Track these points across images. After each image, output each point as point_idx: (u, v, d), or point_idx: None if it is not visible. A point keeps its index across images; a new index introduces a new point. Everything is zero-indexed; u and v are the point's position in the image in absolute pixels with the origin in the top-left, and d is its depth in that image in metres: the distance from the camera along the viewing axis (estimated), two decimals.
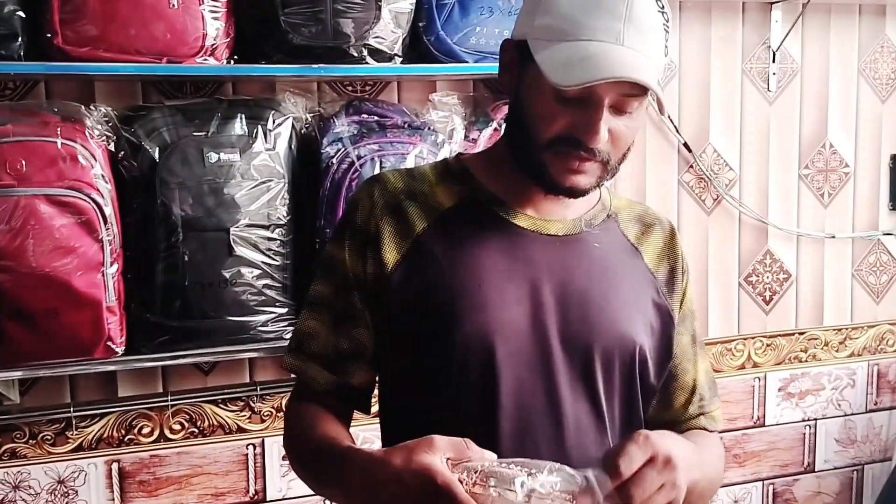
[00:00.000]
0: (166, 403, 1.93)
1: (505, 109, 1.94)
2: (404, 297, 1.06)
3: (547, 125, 1.00)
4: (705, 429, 1.18)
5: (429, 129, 1.86)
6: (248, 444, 2.02)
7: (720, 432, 1.23)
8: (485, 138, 1.92)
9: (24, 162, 1.56)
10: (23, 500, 1.87)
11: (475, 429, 0.98)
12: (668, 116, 2.23)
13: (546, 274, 1.06)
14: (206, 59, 1.69)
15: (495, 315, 1.03)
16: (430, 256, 1.07)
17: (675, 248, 1.18)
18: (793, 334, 2.46)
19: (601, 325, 1.06)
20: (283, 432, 1.15)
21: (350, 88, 1.98)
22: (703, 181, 2.32)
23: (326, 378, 1.10)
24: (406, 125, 1.85)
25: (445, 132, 1.88)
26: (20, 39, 1.59)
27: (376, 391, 1.16)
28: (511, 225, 1.09)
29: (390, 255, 1.08)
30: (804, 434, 2.50)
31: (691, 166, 2.30)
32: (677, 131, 2.26)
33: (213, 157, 1.70)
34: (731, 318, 2.41)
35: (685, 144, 2.27)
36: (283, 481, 2.04)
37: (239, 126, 1.73)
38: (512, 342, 1.03)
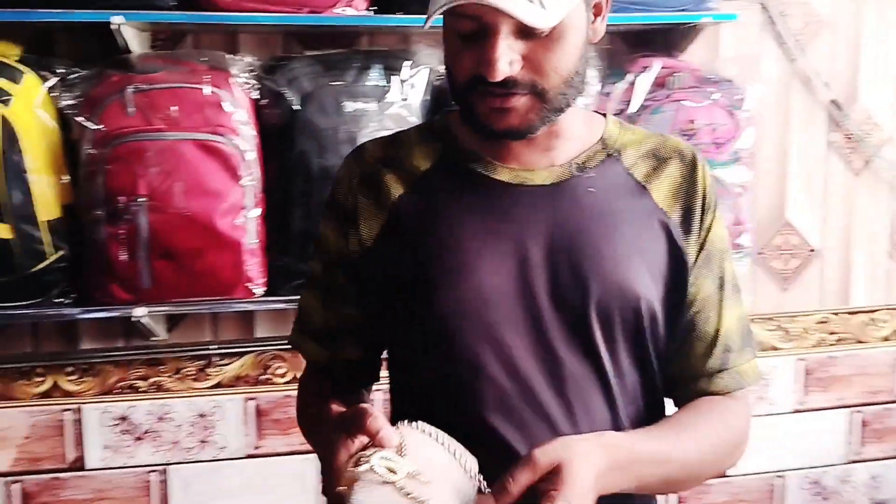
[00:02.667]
0: None
1: (641, 62, 1.90)
2: (384, 271, 1.02)
3: (456, 67, 0.94)
4: (725, 390, 1.04)
5: None
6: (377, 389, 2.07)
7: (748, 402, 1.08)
8: (619, 93, 1.88)
9: (174, 107, 1.64)
10: (166, 431, 1.98)
11: (468, 403, 0.96)
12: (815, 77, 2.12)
13: (531, 229, 0.98)
14: (344, 10, 1.73)
15: (476, 280, 0.96)
16: (406, 225, 1.01)
17: (696, 182, 1.03)
18: None
19: (595, 279, 0.96)
20: None
21: None
22: (852, 142, 2.20)
23: (322, 354, 1.11)
24: None
25: None
26: None
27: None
28: (490, 180, 1.00)
29: (368, 229, 1.03)
30: None
31: (839, 125, 2.18)
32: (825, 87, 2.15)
33: (350, 106, 1.73)
34: (877, 286, 2.28)
35: (834, 101, 2.15)
36: None
37: (375, 76, 1.76)
38: (496, 307, 0.96)
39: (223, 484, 2.02)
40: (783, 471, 2.30)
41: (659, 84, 1.86)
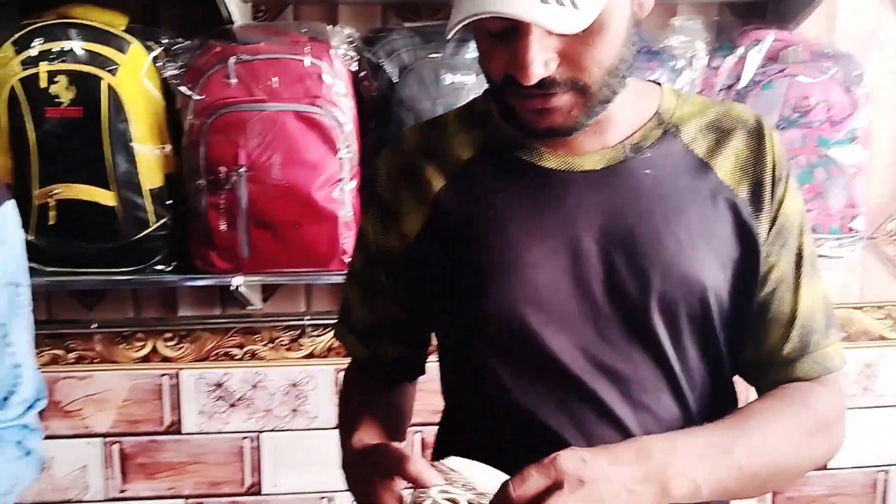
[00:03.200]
0: None
1: (753, 35, 1.81)
2: (428, 269, 0.97)
3: (490, 66, 0.87)
4: (808, 375, 0.96)
5: (668, 54, 1.77)
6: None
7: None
8: (728, 66, 1.80)
9: (274, 79, 1.64)
10: (260, 398, 2.01)
11: (524, 407, 0.92)
12: None
13: (584, 219, 0.91)
14: None
15: (526, 277, 0.90)
16: (449, 221, 0.95)
17: (764, 152, 0.94)
18: None
19: (655, 270, 0.89)
20: None
21: None
22: None
23: (362, 352, 1.09)
24: (644, 49, 1.76)
25: (685, 58, 1.78)
26: None
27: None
28: (537, 168, 0.93)
29: (409, 225, 0.97)
30: None
31: None
32: None
33: (448, 78, 1.70)
34: None
35: None
36: None
37: (473, 49, 1.73)
38: (548, 305, 0.90)
39: (313, 453, 2.04)
40: (888, 465, 2.20)
41: (771, 58, 1.78)
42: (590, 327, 0.90)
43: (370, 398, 1.07)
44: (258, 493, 2.04)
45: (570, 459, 0.76)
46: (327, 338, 2.01)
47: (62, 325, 1.93)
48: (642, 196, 0.91)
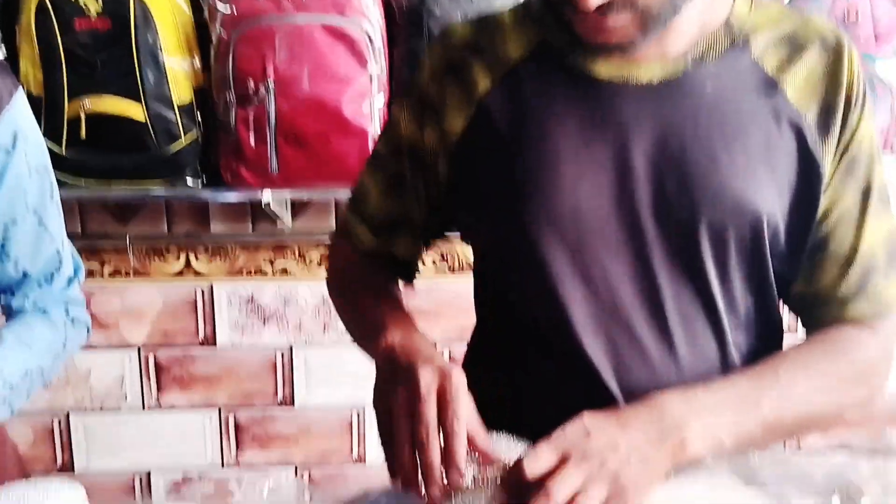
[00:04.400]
0: None
1: None
2: (464, 178, 0.92)
3: None
4: (862, 317, 0.90)
5: None
6: None
7: None
8: None
9: None
10: (291, 313, 2.04)
11: (556, 327, 0.88)
12: None
13: (636, 134, 0.85)
14: None
15: (569, 192, 0.85)
16: (492, 124, 0.90)
17: (839, 73, 0.86)
18: None
19: (708, 194, 0.83)
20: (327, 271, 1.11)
21: None
22: None
23: (370, 241, 1.02)
24: None
25: None
26: None
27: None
28: (590, 78, 0.87)
29: (452, 124, 0.92)
30: None
31: None
32: None
33: None
34: None
35: None
36: None
37: None
38: (589, 224, 0.85)
39: (344, 368, 2.07)
40: None
41: None
42: (630, 250, 0.86)
43: (388, 287, 1.02)
44: (291, 405, 2.08)
45: (573, 432, 0.74)
46: None
47: (97, 238, 1.96)
48: (700, 114, 0.85)
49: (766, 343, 0.93)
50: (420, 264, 1.07)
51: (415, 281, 1.07)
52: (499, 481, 0.75)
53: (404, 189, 0.99)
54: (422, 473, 0.73)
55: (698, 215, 0.84)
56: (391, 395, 0.76)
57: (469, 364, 1.07)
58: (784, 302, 0.96)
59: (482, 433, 0.75)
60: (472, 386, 1.09)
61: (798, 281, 0.92)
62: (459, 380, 0.75)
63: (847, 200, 0.89)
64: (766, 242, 0.87)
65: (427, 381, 0.74)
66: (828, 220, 0.89)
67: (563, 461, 0.72)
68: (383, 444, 0.78)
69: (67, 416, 2.06)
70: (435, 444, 0.72)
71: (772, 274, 0.90)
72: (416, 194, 0.99)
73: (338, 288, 1.07)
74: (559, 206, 0.86)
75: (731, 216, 0.84)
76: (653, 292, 0.87)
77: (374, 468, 2.13)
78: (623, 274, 0.87)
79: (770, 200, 0.85)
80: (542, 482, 0.71)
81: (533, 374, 0.93)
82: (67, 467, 2.08)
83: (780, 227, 0.87)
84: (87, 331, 1.14)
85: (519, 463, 0.73)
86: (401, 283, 1.06)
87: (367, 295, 0.99)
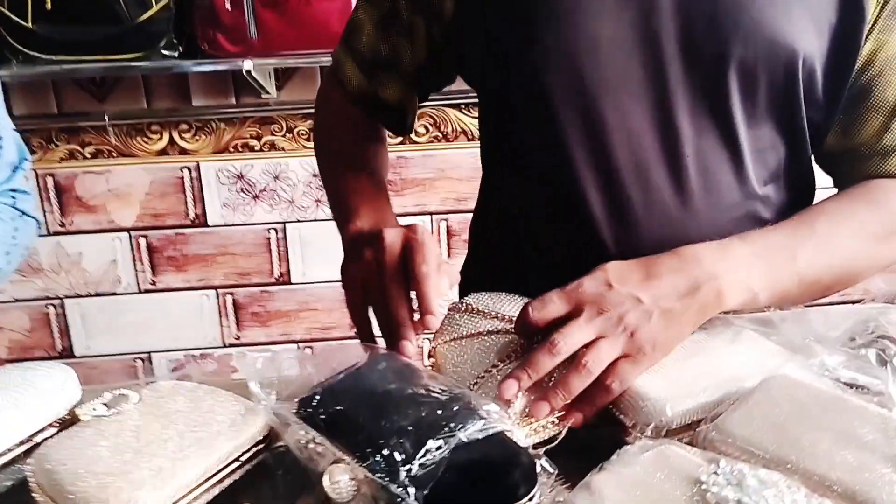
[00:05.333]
0: None
1: None
2: (471, 10, 0.84)
3: None
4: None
5: None
6: None
7: None
8: None
9: None
10: (282, 189, 1.98)
11: (565, 175, 0.82)
12: None
13: None
14: None
15: (586, 25, 0.77)
16: None
17: None
18: None
19: (739, 29, 0.76)
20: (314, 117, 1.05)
21: None
22: None
23: (359, 80, 0.95)
24: None
25: None
26: None
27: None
28: None
29: None
30: None
31: None
32: None
33: None
34: None
35: None
36: None
37: None
38: (608, 58, 0.78)
39: (339, 243, 2.02)
40: None
41: None
42: (653, 90, 0.79)
43: (368, 141, 0.97)
44: (287, 282, 2.06)
45: (593, 284, 0.68)
46: None
47: (75, 117, 1.87)
48: None
49: (797, 199, 0.87)
50: (415, 120, 1.00)
51: (408, 134, 1.02)
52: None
53: (398, 27, 0.91)
54: (389, 327, 0.71)
55: (728, 53, 0.76)
56: (357, 263, 0.75)
57: (475, 227, 1.03)
58: (815, 157, 0.89)
59: (444, 285, 0.71)
60: (478, 250, 1.04)
61: (833, 133, 0.85)
62: (424, 230, 0.72)
63: (893, 46, 0.81)
64: (801, 87, 0.79)
65: (391, 237, 0.72)
66: (871, 66, 0.81)
67: (575, 311, 0.67)
68: (353, 319, 0.76)
69: (62, 302, 2.03)
70: (398, 295, 0.70)
71: (805, 123, 0.83)
72: (410, 36, 0.91)
73: (321, 145, 1.02)
74: (576, 37, 0.78)
75: (764, 54, 0.77)
76: (673, 138, 0.80)
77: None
78: (641, 117, 0.79)
79: (807, 39, 0.77)
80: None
81: (540, 233, 0.89)
82: (68, 353, 2.07)
83: (817, 70, 0.79)
84: (38, 224, 1.06)
85: (525, 308, 0.68)
86: (391, 134, 1.01)
87: (347, 166, 0.94)
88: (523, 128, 0.86)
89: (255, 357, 0.79)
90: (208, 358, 2.11)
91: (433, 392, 0.65)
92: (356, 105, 0.97)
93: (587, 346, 0.66)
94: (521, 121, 0.86)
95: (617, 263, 0.71)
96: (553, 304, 0.68)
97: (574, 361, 0.66)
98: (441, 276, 0.70)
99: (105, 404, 0.74)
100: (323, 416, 0.66)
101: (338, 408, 0.67)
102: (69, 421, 0.73)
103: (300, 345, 2.11)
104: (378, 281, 0.72)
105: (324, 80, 1.03)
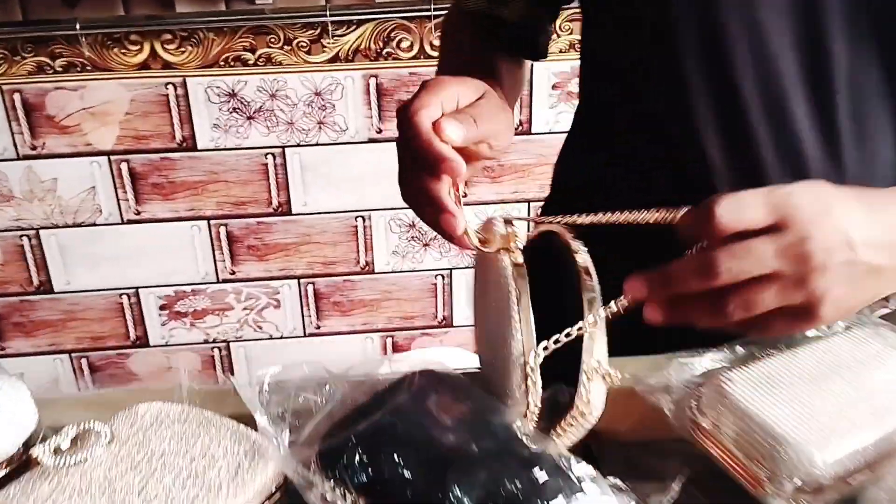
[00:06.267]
0: (429, 12, 1.68)
1: None
2: None
3: None
4: None
5: None
6: None
7: None
8: None
9: None
10: (280, 108, 1.76)
11: (681, 112, 0.68)
12: None
13: None
14: None
15: None
16: None
17: None
18: None
19: None
20: None
21: None
22: None
23: (478, 2, 0.84)
24: None
25: None
26: None
27: None
28: None
29: None
30: None
31: None
32: None
33: None
34: None
35: None
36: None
37: None
38: None
39: (344, 169, 1.83)
40: None
41: None
42: (802, 9, 0.63)
43: (480, 48, 0.84)
44: (287, 213, 1.86)
45: (808, 199, 0.49)
46: (354, 36, 1.71)
47: (42, 26, 1.63)
48: None
49: None
50: (548, 41, 0.88)
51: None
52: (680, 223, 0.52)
53: None
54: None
55: None
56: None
57: (561, 163, 0.91)
58: None
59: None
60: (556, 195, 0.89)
61: None
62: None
63: None
64: None
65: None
66: None
67: (773, 227, 0.49)
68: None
69: (38, 233, 1.83)
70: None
71: None
72: None
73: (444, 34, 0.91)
74: None
75: None
76: (823, 72, 0.64)
77: (383, 280, 1.94)
78: (780, 34, 0.63)
79: None
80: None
81: (638, 185, 0.75)
82: (46, 287, 1.88)
83: None
84: None
85: (711, 204, 0.49)
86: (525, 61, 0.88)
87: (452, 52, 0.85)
88: (635, 54, 0.72)
89: (262, 375, 0.60)
90: (201, 294, 1.93)
91: (508, 443, 0.49)
92: (478, 25, 0.85)
93: (750, 281, 0.49)
94: (631, 44, 0.72)
95: (838, 189, 0.51)
96: (751, 211, 0.49)
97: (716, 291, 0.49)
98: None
99: (71, 440, 0.57)
100: (359, 472, 0.50)
101: (379, 460, 0.50)
102: (22, 462, 0.56)
103: (301, 282, 1.93)
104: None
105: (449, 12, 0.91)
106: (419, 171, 0.56)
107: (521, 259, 0.57)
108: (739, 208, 0.49)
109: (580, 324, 0.54)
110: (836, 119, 0.65)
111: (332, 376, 0.59)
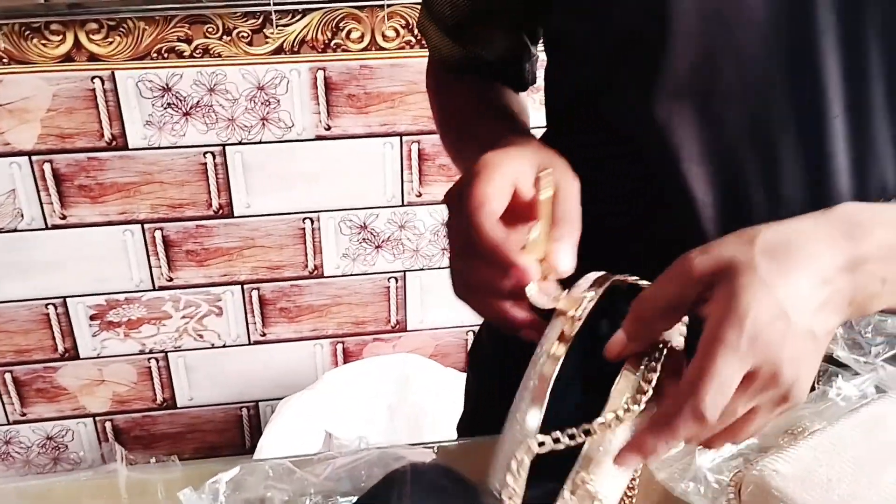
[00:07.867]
0: (381, 1, 1.56)
1: None
2: None
3: None
4: None
5: None
6: None
7: None
8: None
9: None
10: (219, 104, 1.63)
11: (659, 140, 0.63)
12: None
13: None
14: None
15: None
16: None
17: None
18: None
19: None
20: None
21: None
22: None
23: (449, 47, 0.79)
24: None
25: None
26: None
27: None
28: None
29: None
30: None
31: None
32: None
33: None
34: None
35: None
36: None
37: None
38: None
39: (293, 167, 1.70)
40: None
41: None
42: (789, 34, 0.59)
43: (479, 92, 0.78)
44: (229, 215, 1.73)
45: (765, 316, 0.44)
46: (300, 26, 1.58)
47: None
48: None
49: None
50: (534, 68, 0.82)
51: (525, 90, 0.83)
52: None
53: None
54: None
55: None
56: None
57: None
58: None
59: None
60: None
61: None
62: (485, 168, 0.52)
63: None
64: None
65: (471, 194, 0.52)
66: None
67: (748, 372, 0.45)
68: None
69: None
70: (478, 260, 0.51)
71: None
72: None
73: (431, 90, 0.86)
74: None
75: None
76: (814, 88, 0.59)
77: (333, 284, 1.83)
78: (766, 53, 0.59)
79: None
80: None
81: (616, 217, 0.70)
82: None
83: None
84: None
85: (687, 257, 0.46)
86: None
87: (462, 108, 0.78)
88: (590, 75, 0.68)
89: (215, 483, 0.50)
90: (135, 303, 1.79)
91: None
92: (459, 72, 0.80)
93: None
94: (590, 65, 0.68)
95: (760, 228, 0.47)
96: (729, 369, 0.44)
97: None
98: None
99: None
100: None
101: None
102: None
103: (245, 288, 1.81)
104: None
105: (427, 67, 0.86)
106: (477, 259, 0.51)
107: (573, 332, 0.47)
108: (722, 361, 0.44)
109: (586, 426, 0.45)
110: (831, 149, 0.60)
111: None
